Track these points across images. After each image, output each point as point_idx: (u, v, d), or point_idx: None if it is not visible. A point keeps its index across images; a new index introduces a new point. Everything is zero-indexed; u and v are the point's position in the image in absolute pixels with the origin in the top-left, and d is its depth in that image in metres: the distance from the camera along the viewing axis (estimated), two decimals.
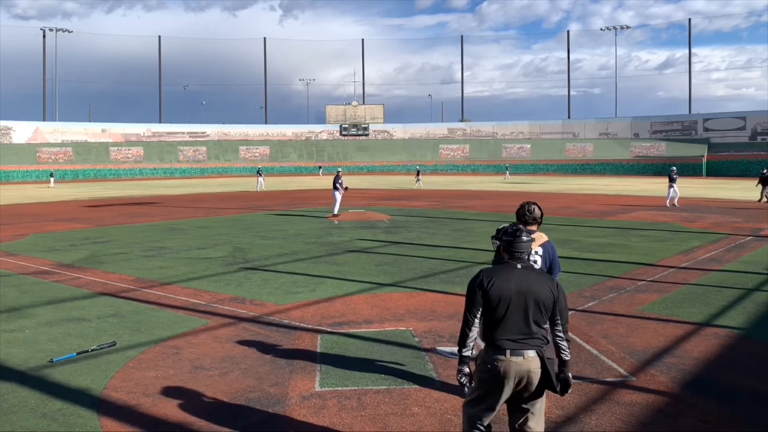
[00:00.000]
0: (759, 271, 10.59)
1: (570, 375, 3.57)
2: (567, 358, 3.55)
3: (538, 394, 3.50)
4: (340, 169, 23.16)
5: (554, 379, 3.46)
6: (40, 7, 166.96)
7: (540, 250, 4.81)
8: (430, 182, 50.57)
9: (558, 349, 3.56)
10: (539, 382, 3.46)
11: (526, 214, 4.94)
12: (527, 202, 5.06)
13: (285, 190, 39.02)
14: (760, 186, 27.40)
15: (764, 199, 26.56)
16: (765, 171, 27.44)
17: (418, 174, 45.47)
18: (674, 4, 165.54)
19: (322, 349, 6.41)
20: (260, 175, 42.13)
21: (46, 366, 5.99)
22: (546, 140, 78.96)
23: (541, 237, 4.86)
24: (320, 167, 71.60)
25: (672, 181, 24.50)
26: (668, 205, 24.24)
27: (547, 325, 3.54)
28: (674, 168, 26.57)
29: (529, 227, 4.88)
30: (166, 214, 22.95)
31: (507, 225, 3.71)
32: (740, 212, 21.92)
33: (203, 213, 23.56)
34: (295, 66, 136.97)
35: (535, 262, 4.70)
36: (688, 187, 29.53)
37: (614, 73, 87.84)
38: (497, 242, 3.68)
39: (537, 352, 3.44)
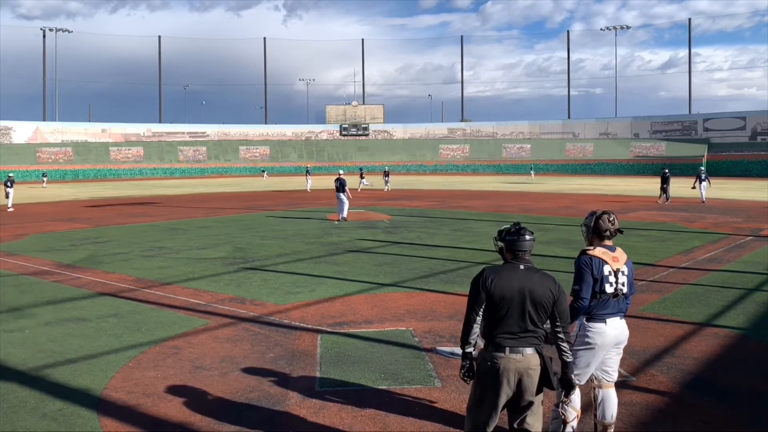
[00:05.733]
0: (759, 271, 10.58)
1: (573, 376, 3.63)
2: (569, 360, 3.60)
3: (536, 391, 3.52)
4: (341, 171, 22.79)
5: (552, 377, 3.50)
6: (44, 6, 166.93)
7: (625, 269, 4.19)
8: (430, 182, 50.55)
9: (560, 352, 3.60)
10: (538, 380, 3.49)
11: (608, 228, 4.20)
12: (605, 212, 4.26)
13: (285, 190, 39.01)
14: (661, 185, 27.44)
15: (662, 200, 26.80)
16: (666, 171, 27.61)
17: (386, 174, 40.04)
18: (678, 4, 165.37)
19: (322, 349, 6.41)
20: (308, 174, 41.18)
21: (46, 366, 6.00)
22: (546, 140, 78.92)
23: (622, 253, 4.26)
24: (263, 170, 67.49)
25: (702, 180, 26.84)
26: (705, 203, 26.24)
27: (547, 325, 3.57)
28: (702, 168, 29.36)
29: (607, 242, 4.22)
30: (166, 214, 22.95)
31: (509, 225, 3.74)
32: (740, 212, 21.93)
33: (203, 213, 23.56)
34: (297, 66, 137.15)
35: (623, 284, 4.14)
36: (687, 187, 29.58)
37: (616, 73, 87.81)
38: (500, 243, 3.69)
39: (536, 350, 3.49)
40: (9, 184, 27.06)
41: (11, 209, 25.51)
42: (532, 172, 62.52)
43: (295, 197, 32.77)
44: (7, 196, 26.65)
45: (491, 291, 3.46)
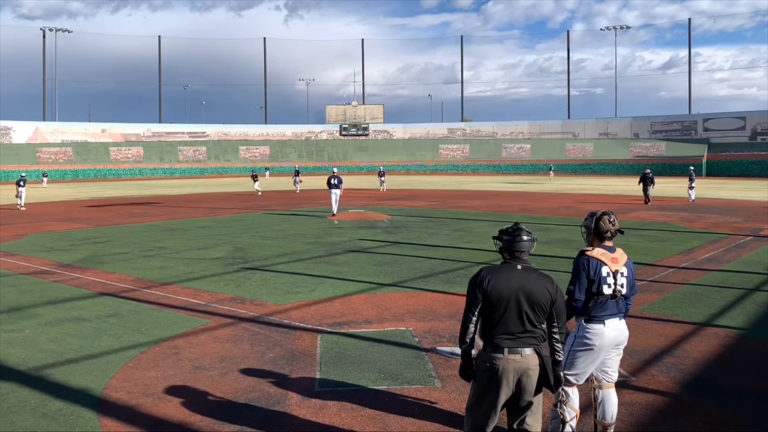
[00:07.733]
0: (759, 271, 10.58)
1: (561, 374, 3.67)
2: (560, 359, 3.63)
3: (536, 392, 3.53)
4: (335, 169, 23.13)
5: (551, 377, 3.52)
6: (46, 6, 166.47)
7: (625, 270, 4.16)
8: (430, 182, 50.54)
9: (552, 350, 3.62)
10: (537, 379, 3.50)
11: (609, 228, 4.17)
12: (605, 213, 4.23)
13: (285, 191, 39.01)
14: (641, 185, 27.09)
15: (648, 201, 26.50)
16: (648, 171, 27.29)
17: (381, 175, 38.59)
18: (679, 3, 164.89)
19: (322, 349, 6.41)
20: (298, 174, 39.46)
21: (46, 366, 6.00)
22: (546, 140, 78.88)
23: (622, 254, 4.23)
24: (267, 169, 65.44)
25: (693, 180, 28.13)
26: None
27: (544, 324, 3.57)
28: (692, 168, 30.47)
29: (607, 243, 4.20)
30: (166, 214, 22.95)
31: (509, 225, 3.74)
32: (740, 212, 21.93)
33: (203, 213, 23.55)
34: (297, 66, 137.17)
35: (622, 285, 4.13)
36: (685, 188, 29.59)
37: (616, 73, 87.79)
38: (499, 243, 3.70)
39: (534, 350, 3.50)
40: (21, 183, 27.55)
41: (23, 208, 26.00)
42: (551, 172, 61.96)
43: (295, 197, 32.76)
44: (18, 196, 27.08)
45: (488, 291, 3.47)
